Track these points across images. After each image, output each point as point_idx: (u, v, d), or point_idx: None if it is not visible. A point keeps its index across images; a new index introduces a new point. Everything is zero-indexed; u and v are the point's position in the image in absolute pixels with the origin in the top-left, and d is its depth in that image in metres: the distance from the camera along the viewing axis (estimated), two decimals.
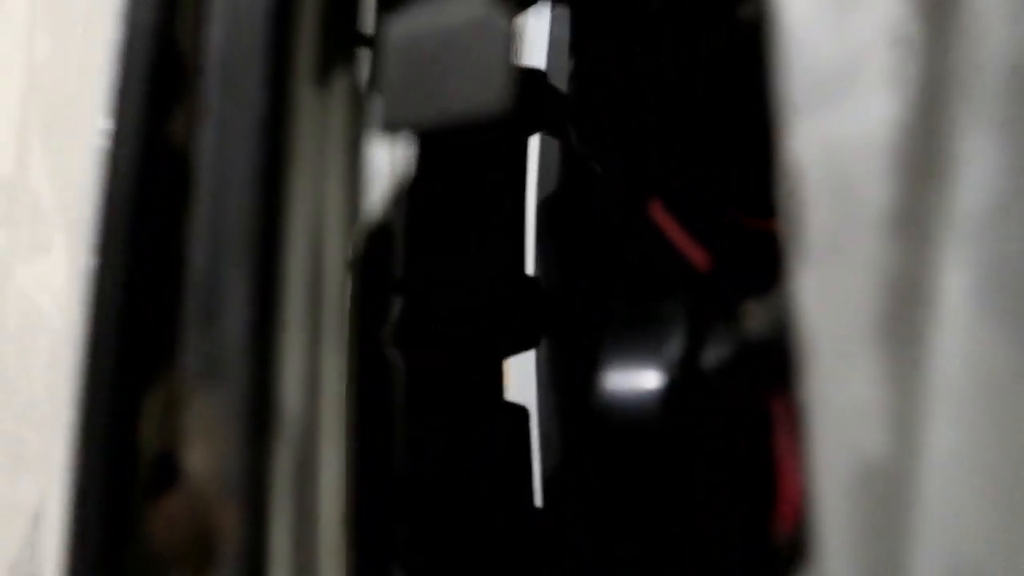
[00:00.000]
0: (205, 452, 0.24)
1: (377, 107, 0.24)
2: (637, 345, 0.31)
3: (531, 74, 0.84)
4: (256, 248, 0.25)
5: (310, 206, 0.26)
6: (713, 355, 0.27)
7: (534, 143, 0.96)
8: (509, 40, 0.21)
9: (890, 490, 0.18)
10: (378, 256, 0.73)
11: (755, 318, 0.26)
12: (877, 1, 0.20)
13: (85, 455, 0.25)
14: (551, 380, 0.83)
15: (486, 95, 0.21)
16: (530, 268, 0.88)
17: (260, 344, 0.25)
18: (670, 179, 0.40)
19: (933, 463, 0.17)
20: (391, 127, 0.24)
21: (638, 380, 0.29)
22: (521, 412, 0.78)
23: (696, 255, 0.29)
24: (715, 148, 0.38)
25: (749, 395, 0.26)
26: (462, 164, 0.77)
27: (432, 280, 0.72)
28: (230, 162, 0.26)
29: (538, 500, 0.80)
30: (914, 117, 0.19)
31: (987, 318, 0.16)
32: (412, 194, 0.74)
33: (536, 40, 1.03)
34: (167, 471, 0.24)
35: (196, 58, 0.27)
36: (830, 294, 0.20)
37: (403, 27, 0.24)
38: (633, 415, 0.28)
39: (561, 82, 0.78)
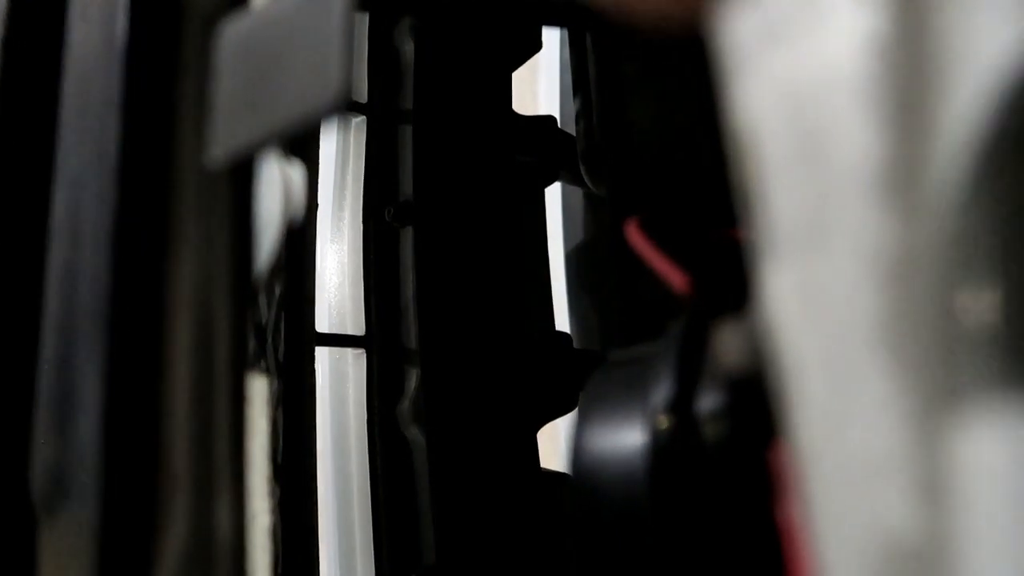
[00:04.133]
0: None
1: (210, 133, 0.19)
2: (623, 392, 0.25)
3: (542, 121, 0.80)
4: (112, 331, 0.20)
5: (189, 276, 0.21)
6: (702, 405, 0.21)
7: (554, 192, 0.91)
8: (345, 12, 0.16)
9: None
10: (390, 329, 0.68)
11: (729, 348, 0.20)
12: None
13: None
14: None
15: (320, 92, 0.16)
16: (560, 324, 0.82)
17: (116, 450, 0.19)
18: (652, 195, 0.34)
19: (979, 539, 0.10)
20: (224, 154, 0.19)
21: (623, 441, 0.23)
22: (562, 480, 0.72)
23: (676, 278, 0.24)
24: (697, 158, 0.32)
25: (742, 451, 0.20)
26: (474, 219, 0.73)
27: (448, 348, 0.67)
28: (84, 230, 0.21)
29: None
30: (892, 31, 0.13)
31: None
32: (421, 254, 0.70)
33: (549, 91, 0.99)
34: None
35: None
36: (816, 295, 0.14)
37: (236, 29, 0.19)
38: (613, 481, 0.22)
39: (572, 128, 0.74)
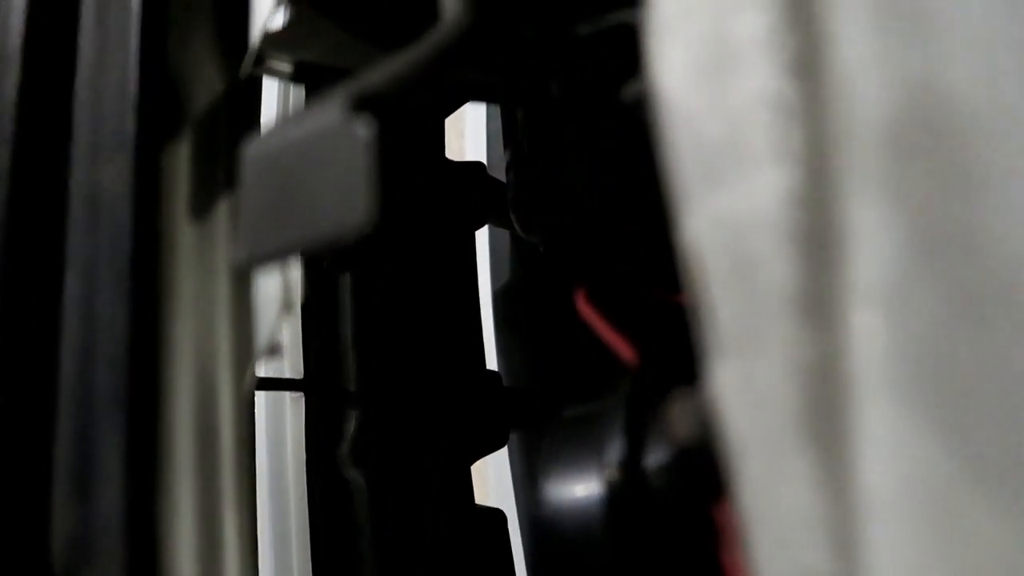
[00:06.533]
0: None
1: (236, 238, 0.22)
2: (579, 448, 0.28)
3: (471, 167, 0.84)
4: (132, 407, 0.23)
5: (194, 354, 0.24)
6: (650, 461, 0.25)
7: (483, 234, 0.95)
8: (370, 148, 0.19)
9: None
10: (328, 372, 0.70)
11: (680, 421, 0.24)
12: (754, 64, 0.19)
13: None
14: (524, 478, 0.79)
15: (347, 216, 0.19)
16: (489, 363, 0.85)
17: (138, 517, 0.22)
18: (598, 263, 0.38)
19: (883, 568, 0.14)
20: (249, 259, 0.21)
21: (578, 490, 0.27)
22: (496, 515, 0.75)
23: (623, 348, 0.27)
24: (640, 226, 0.36)
25: (691, 505, 0.24)
26: (409, 264, 0.76)
27: (386, 389, 0.69)
28: (100, 313, 0.24)
29: None
30: (805, 188, 0.17)
31: (909, 410, 0.14)
32: (359, 299, 0.72)
33: (476, 134, 1.03)
34: None
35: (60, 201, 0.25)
36: (751, 390, 0.18)
37: (261, 146, 0.22)
38: (574, 529, 0.26)
39: (501, 173, 0.78)
